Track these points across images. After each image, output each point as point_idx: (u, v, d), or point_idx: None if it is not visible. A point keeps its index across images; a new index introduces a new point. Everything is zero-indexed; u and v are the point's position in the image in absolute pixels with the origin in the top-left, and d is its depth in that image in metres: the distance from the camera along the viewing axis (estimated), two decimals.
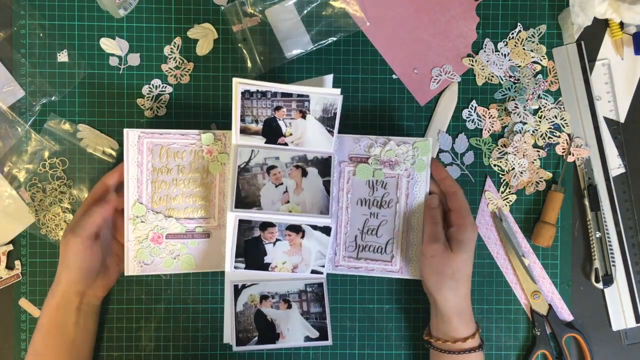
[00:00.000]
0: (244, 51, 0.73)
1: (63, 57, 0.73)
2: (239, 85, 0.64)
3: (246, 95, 0.65)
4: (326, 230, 0.66)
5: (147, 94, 0.73)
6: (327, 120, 0.66)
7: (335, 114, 0.66)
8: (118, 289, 0.73)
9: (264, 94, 0.65)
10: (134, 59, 0.73)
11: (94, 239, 0.65)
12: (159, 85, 0.73)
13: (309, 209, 0.66)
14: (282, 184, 0.66)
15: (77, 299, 0.66)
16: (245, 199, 0.65)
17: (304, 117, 0.66)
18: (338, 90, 0.65)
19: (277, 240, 0.66)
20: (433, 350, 0.68)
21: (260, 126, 0.66)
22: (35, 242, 0.73)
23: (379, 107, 0.74)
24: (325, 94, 0.65)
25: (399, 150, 0.69)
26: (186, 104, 0.74)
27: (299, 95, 0.65)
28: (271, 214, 0.65)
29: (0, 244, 0.73)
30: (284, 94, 0.65)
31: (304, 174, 0.67)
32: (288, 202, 0.66)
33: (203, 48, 0.73)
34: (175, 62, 0.73)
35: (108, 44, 0.73)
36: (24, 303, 0.73)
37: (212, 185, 0.71)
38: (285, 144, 0.67)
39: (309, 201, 0.66)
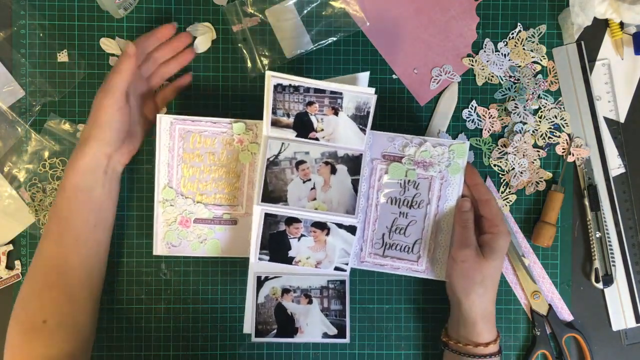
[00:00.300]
0: (244, 51, 0.73)
1: (63, 57, 0.73)
2: (271, 78, 0.64)
3: (278, 89, 0.64)
4: (351, 229, 0.66)
5: None
6: (359, 119, 0.65)
7: (368, 112, 0.65)
8: (118, 289, 0.73)
9: (296, 88, 0.64)
10: None
11: (126, 98, 0.65)
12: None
13: (335, 208, 0.66)
14: (309, 180, 0.66)
15: (105, 161, 0.65)
16: (272, 194, 0.65)
17: (336, 114, 0.65)
18: (372, 90, 0.64)
19: (302, 235, 0.66)
20: (449, 352, 0.68)
21: (291, 120, 0.65)
22: (35, 242, 0.73)
23: (379, 107, 0.74)
24: (359, 92, 0.65)
25: (435, 152, 0.69)
26: (186, 104, 0.74)
27: (332, 92, 0.65)
28: (297, 211, 0.65)
29: (0, 244, 0.73)
30: (316, 90, 0.64)
31: (333, 170, 0.66)
32: (315, 199, 0.66)
33: (201, 46, 0.73)
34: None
35: (108, 44, 0.73)
36: None
37: (242, 174, 0.71)
38: (317, 139, 0.66)
39: (335, 199, 0.66)
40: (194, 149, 0.70)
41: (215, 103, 0.74)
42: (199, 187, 0.71)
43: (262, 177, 0.65)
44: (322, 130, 0.66)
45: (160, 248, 0.71)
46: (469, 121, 0.75)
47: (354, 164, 0.66)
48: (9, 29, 0.73)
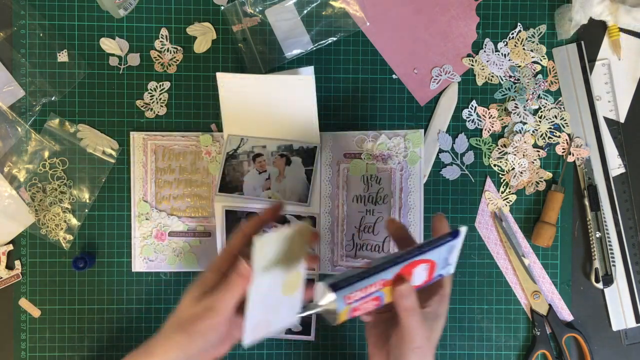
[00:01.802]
0: (244, 51, 0.73)
1: (63, 57, 0.73)
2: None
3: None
4: (312, 221, 0.67)
5: (149, 97, 0.73)
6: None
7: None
8: (118, 289, 0.73)
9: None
10: (134, 59, 0.73)
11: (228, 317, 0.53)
12: (157, 87, 0.73)
13: (288, 196, 0.67)
14: (265, 171, 0.68)
15: None
16: (229, 184, 0.67)
17: None
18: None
19: (264, 232, 0.67)
20: None
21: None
22: (35, 242, 0.73)
23: (379, 107, 0.74)
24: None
25: (391, 143, 0.70)
26: (186, 104, 0.74)
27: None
28: (252, 201, 0.66)
29: (0, 244, 0.73)
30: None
31: (288, 162, 0.67)
32: (269, 188, 0.67)
33: (201, 46, 0.73)
34: (170, 54, 0.73)
35: (108, 44, 0.73)
36: (24, 303, 0.73)
37: (212, 185, 0.72)
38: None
39: (289, 189, 0.67)
40: (166, 163, 0.72)
41: (215, 103, 0.74)
42: (172, 201, 0.72)
43: (221, 170, 0.67)
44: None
45: (137, 264, 0.72)
46: (469, 121, 0.75)
47: (308, 155, 0.68)
48: (9, 29, 0.73)
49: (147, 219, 0.72)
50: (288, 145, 0.68)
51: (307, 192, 0.67)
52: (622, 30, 0.74)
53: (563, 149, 0.75)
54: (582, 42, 0.74)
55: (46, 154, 0.73)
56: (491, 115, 0.74)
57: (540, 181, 0.75)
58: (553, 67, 0.75)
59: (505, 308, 0.75)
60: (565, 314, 0.75)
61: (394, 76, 0.75)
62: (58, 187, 0.73)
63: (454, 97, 0.74)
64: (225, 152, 0.68)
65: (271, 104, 0.67)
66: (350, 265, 0.72)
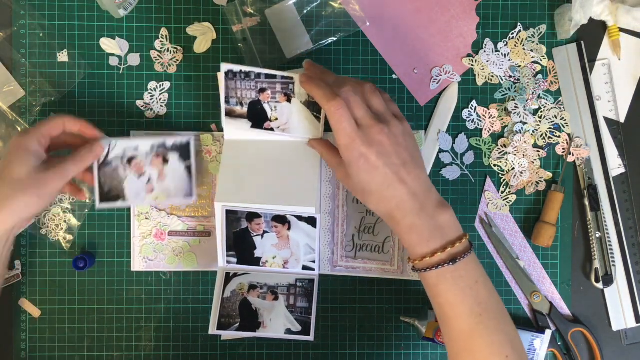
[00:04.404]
0: (244, 51, 0.73)
1: (63, 57, 0.73)
2: (222, 65, 0.65)
3: (229, 75, 0.65)
4: (312, 221, 0.66)
5: (149, 97, 0.73)
6: (312, 105, 0.66)
7: None
8: (118, 289, 0.73)
9: (247, 74, 0.65)
10: (134, 59, 0.73)
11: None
12: (157, 87, 0.73)
13: (174, 194, 0.67)
14: (144, 173, 0.67)
15: (11, 231, 0.60)
16: (110, 193, 0.66)
17: (289, 100, 0.66)
18: None
19: (265, 232, 0.67)
20: (427, 274, 0.57)
21: (245, 109, 0.66)
22: (35, 242, 0.73)
23: None
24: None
25: None
26: (186, 104, 0.74)
27: (283, 77, 0.65)
28: (255, 205, 0.65)
29: None
30: (268, 76, 0.65)
31: (165, 161, 0.67)
32: (153, 190, 0.67)
33: (201, 46, 0.73)
34: (170, 54, 0.73)
35: (108, 44, 0.73)
36: (24, 303, 0.73)
37: (212, 185, 0.72)
38: (272, 129, 0.67)
39: (172, 187, 0.67)
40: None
41: (215, 103, 0.74)
42: None
43: (96, 180, 0.66)
44: (277, 119, 0.66)
45: (137, 263, 0.72)
46: (469, 121, 0.75)
47: (184, 150, 0.68)
48: (9, 29, 0.73)
49: (146, 219, 0.72)
50: (161, 143, 0.67)
51: (190, 186, 0.67)
52: (622, 30, 0.74)
53: (563, 149, 0.75)
54: (582, 42, 0.74)
55: None
56: (491, 115, 0.74)
57: (540, 181, 0.75)
58: (553, 67, 0.75)
59: (506, 308, 0.75)
60: (565, 314, 0.75)
61: (394, 76, 0.75)
62: None
63: (454, 97, 0.74)
64: (96, 162, 0.66)
65: None
66: (350, 266, 0.72)
